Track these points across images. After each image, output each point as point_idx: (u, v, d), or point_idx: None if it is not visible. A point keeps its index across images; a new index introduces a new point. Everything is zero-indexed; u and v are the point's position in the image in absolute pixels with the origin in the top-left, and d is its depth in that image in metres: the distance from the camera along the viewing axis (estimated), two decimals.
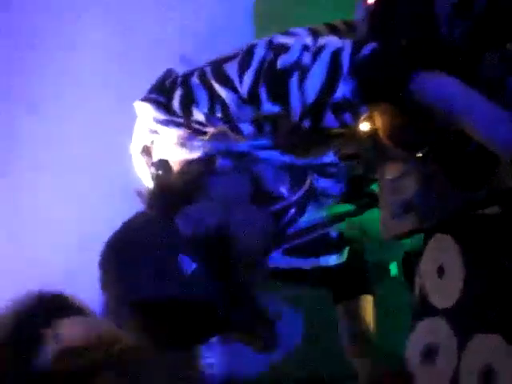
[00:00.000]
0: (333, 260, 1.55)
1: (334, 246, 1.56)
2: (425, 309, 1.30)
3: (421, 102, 1.14)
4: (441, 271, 1.27)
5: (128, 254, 1.21)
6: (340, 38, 1.35)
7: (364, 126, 1.31)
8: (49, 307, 1.39)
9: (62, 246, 2.14)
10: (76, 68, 2.27)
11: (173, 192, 1.27)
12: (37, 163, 2.22)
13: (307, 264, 1.52)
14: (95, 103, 2.24)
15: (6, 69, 2.27)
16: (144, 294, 1.18)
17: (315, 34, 1.37)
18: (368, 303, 1.63)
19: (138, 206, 1.34)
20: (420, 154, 1.30)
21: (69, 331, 1.33)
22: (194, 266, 1.17)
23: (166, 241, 1.20)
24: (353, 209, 1.47)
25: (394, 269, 1.66)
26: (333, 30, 1.49)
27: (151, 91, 1.33)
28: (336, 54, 1.20)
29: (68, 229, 2.16)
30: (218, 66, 1.28)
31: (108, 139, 2.09)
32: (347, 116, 1.23)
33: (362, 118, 1.27)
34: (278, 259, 1.45)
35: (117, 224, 1.29)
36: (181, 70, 1.38)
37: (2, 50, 2.27)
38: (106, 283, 1.24)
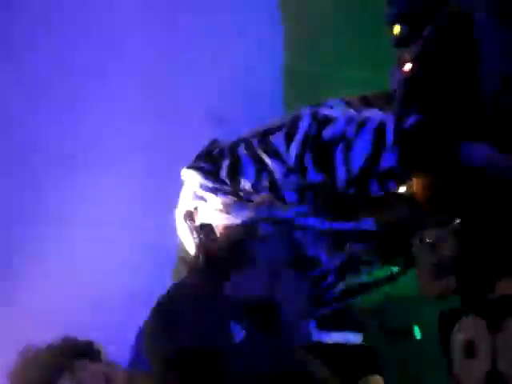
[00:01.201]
0: (352, 338, 1.54)
1: (357, 324, 1.57)
2: None
3: (465, 169, 1.19)
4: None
5: (177, 318, 1.23)
6: (374, 109, 1.41)
7: (403, 192, 1.36)
8: (74, 350, 1.47)
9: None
10: (115, 132, 2.33)
11: (217, 257, 1.31)
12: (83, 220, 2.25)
13: (330, 338, 1.52)
14: (132, 168, 2.28)
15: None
16: (192, 358, 1.20)
17: (354, 107, 1.42)
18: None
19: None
20: (457, 221, 1.33)
21: (86, 374, 1.41)
22: (242, 333, 1.20)
23: (216, 307, 1.23)
24: (390, 274, 1.49)
25: (417, 332, 1.65)
26: (365, 101, 1.54)
27: (199, 159, 1.38)
28: (380, 127, 1.26)
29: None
30: (264, 137, 1.34)
31: (147, 202, 2.13)
32: (391, 183, 1.28)
33: (402, 184, 1.32)
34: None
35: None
36: (224, 138, 1.44)
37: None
38: (151, 345, 1.26)
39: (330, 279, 1.37)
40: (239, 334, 1.20)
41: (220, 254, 1.31)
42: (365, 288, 1.47)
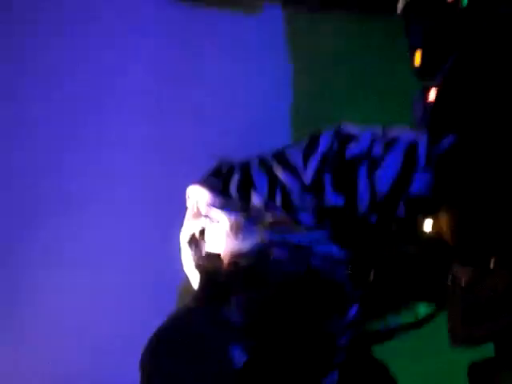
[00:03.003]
0: None
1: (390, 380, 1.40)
2: None
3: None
4: None
5: (175, 350, 1.08)
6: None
7: (429, 226, 1.22)
8: None
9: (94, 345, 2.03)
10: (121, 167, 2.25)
11: (223, 283, 1.16)
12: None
13: None
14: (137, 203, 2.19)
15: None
16: None
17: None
18: None
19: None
20: (492, 264, 1.19)
21: None
22: (245, 357, 1.04)
23: (215, 332, 1.08)
24: (416, 318, 1.33)
25: None
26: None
27: (207, 177, 1.25)
28: (411, 146, 1.14)
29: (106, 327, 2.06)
30: (279, 153, 1.22)
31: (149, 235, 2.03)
32: (419, 212, 1.15)
33: (432, 213, 1.19)
34: None
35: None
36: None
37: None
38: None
39: (355, 310, 1.21)
40: (241, 359, 1.04)
41: (227, 280, 1.16)
42: (389, 332, 1.31)
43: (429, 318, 1.32)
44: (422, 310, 1.35)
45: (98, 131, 2.29)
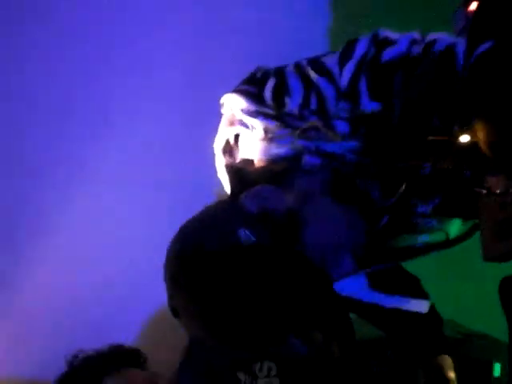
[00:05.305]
0: (418, 306, 1.39)
1: (421, 291, 1.43)
2: None
3: None
4: None
5: (192, 234, 1.13)
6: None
7: (465, 137, 1.20)
8: (121, 357, 1.68)
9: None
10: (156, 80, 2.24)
11: (251, 181, 1.18)
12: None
13: (389, 303, 1.37)
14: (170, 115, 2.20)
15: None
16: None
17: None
18: (449, 364, 1.43)
19: None
20: None
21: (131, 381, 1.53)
22: (253, 239, 1.08)
23: (228, 217, 1.12)
24: (446, 237, 1.33)
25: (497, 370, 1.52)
26: None
27: (242, 83, 1.24)
28: (449, 50, 1.11)
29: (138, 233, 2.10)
30: (315, 59, 1.20)
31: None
32: (455, 119, 1.12)
33: (466, 126, 1.17)
34: (361, 290, 1.33)
35: None
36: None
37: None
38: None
39: (384, 221, 1.21)
40: (249, 240, 1.08)
41: (255, 180, 1.18)
42: (419, 249, 1.31)
43: (461, 237, 1.32)
44: (454, 228, 1.35)
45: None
